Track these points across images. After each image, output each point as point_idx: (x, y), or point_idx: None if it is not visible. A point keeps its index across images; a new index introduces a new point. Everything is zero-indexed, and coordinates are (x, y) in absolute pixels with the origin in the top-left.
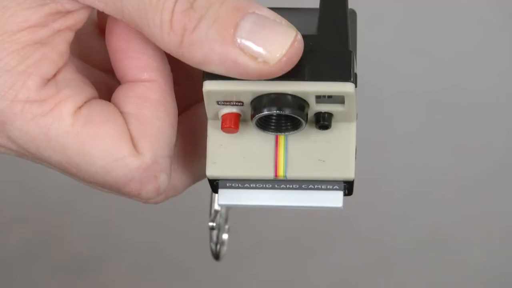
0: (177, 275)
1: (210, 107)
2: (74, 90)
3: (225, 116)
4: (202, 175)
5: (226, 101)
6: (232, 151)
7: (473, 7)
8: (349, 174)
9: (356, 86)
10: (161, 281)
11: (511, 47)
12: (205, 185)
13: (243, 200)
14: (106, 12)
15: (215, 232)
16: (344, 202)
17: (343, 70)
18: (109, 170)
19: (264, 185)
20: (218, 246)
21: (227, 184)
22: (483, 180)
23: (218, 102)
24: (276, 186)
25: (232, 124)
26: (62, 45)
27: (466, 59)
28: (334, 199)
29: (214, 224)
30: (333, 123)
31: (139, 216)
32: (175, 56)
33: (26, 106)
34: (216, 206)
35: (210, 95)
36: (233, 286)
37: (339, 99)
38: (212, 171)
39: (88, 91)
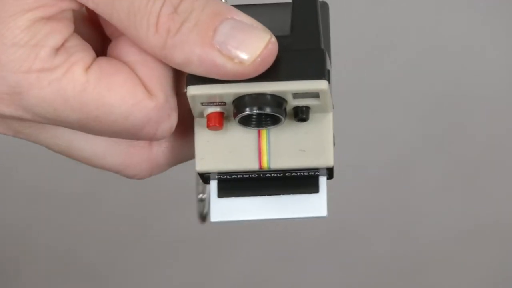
0: (91, 280)
1: (195, 108)
2: (82, 52)
3: (209, 116)
4: (188, 155)
5: (210, 102)
6: (219, 147)
7: (433, 6)
8: (328, 162)
9: (329, 82)
10: (75, 287)
11: (474, 45)
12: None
13: (234, 216)
14: (96, 11)
15: (202, 204)
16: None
17: (316, 68)
18: (127, 116)
19: (250, 175)
20: (205, 211)
21: (216, 176)
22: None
23: (202, 103)
24: (261, 175)
25: (216, 122)
26: (67, 19)
27: (424, 57)
28: (318, 208)
29: (204, 196)
30: (310, 115)
31: (55, 222)
32: (158, 57)
33: (41, 75)
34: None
35: (194, 98)
36: None
37: (315, 94)
38: (201, 166)
39: (93, 52)
